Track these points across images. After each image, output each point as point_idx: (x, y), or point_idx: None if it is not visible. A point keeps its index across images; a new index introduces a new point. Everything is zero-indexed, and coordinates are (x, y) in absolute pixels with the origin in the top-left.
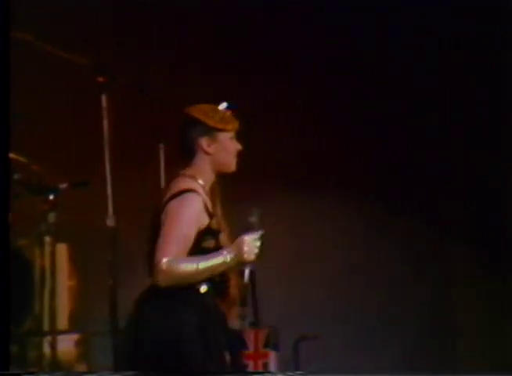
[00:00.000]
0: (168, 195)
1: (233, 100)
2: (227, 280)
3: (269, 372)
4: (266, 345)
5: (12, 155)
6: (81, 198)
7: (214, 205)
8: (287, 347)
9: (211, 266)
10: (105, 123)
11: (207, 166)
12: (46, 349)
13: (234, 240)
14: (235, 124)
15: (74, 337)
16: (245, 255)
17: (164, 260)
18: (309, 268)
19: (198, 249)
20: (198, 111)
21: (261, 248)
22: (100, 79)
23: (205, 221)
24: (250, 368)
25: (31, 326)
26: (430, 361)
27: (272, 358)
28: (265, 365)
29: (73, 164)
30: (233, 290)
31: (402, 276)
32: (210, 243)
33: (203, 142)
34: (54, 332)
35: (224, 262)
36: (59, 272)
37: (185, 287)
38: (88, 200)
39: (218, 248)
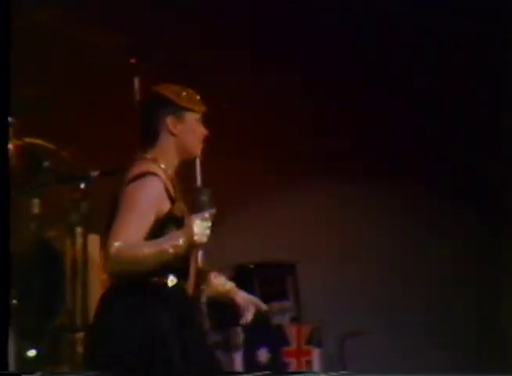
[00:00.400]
0: (126, 179)
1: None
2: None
3: (311, 372)
4: (309, 342)
5: (40, 141)
6: (113, 187)
7: (176, 191)
8: (332, 344)
9: (161, 250)
10: (138, 107)
11: (171, 148)
12: (79, 346)
13: None
14: (202, 106)
15: None
16: (196, 237)
17: (115, 244)
18: (356, 261)
19: (159, 236)
20: (166, 89)
21: (212, 229)
22: (133, 60)
23: (166, 206)
24: (293, 366)
25: (63, 321)
26: (479, 361)
27: (316, 355)
28: (308, 363)
29: (104, 151)
30: (192, 276)
31: (453, 274)
32: (172, 230)
33: (170, 121)
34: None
35: (174, 246)
36: (91, 265)
37: (151, 282)
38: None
39: None
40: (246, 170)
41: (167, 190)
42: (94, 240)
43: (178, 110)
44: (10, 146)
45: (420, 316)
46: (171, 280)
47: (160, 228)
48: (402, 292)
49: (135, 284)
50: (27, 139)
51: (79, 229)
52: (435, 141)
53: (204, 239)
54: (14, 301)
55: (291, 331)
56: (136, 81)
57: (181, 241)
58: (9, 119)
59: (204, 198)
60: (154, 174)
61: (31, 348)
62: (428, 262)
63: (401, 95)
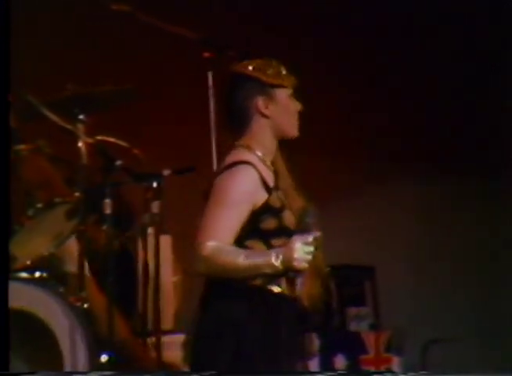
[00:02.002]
0: (218, 170)
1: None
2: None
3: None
4: (388, 350)
5: (111, 139)
6: (185, 186)
7: (278, 178)
8: (414, 352)
9: (255, 266)
10: (211, 103)
11: (265, 132)
12: (151, 351)
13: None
14: (292, 80)
15: (180, 338)
16: (295, 262)
17: (207, 244)
18: (437, 264)
19: (256, 232)
20: (248, 67)
21: (314, 254)
22: (207, 54)
23: (262, 197)
24: None
25: (135, 325)
26: None
27: (396, 364)
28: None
29: (177, 149)
30: (309, 291)
31: None
32: (269, 223)
33: (260, 101)
34: (158, 332)
35: (271, 265)
36: (162, 267)
37: (255, 287)
38: (194, 187)
39: (282, 229)
40: (330, 169)
41: (263, 180)
42: (166, 242)
43: (266, 88)
44: (80, 144)
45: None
46: (276, 288)
47: (255, 221)
48: (490, 294)
49: (237, 287)
50: (99, 137)
51: (151, 230)
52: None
53: (304, 265)
54: (85, 305)
55: (369, 338)
56: (210, 76)
57: (278, 263)
58: (81, 116)
59: (310, 220)
60: (247, 163)
61: (103, 352)
62: None
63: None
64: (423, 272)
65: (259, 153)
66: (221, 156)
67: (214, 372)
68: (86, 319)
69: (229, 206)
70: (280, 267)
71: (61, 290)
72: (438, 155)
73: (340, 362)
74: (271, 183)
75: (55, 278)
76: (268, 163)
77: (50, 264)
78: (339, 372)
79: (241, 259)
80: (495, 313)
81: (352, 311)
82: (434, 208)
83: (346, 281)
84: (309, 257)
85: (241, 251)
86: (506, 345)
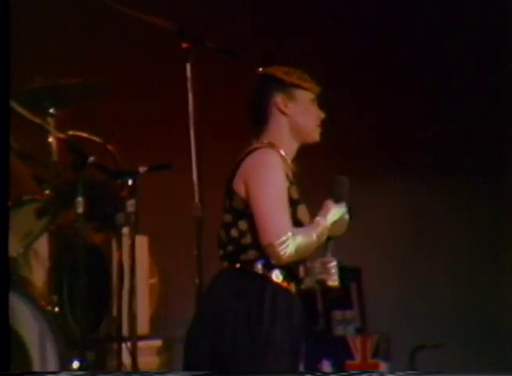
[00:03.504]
0: (247, 165)
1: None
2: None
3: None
4: (375, 355)
5: (84, 134)
6: (162, 184)
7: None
8: (402, 357)
9: (319, 237)
10: (190, 96)
11: (285, 130)
12: (125, 357)
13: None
14: (315, 86)
15: (156, 343)
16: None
17: (283, 243)
18: (425, 266)
19: None
20: (273, 69)
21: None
22: (185, 45)
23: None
24: None
25: (109, 330)
26: None
27: (383, 369)
28: None
29: (153, 144)
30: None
31: None
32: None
33: (279, 99)
34: (134, 337)
35: (320, 236)
36: (138, 269)
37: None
38: (171, 186)
39: (295, 221)
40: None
41: (285, 170)
42: (142, 242)
43: (287, 87)
44: (51, 139)
45: (500, 324)
46: (276, 275)
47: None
48: (478, 298)
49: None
50: (71, 132)
51: (126, 230)
52: None
53: (343, 230)
54: (56, 309)
55: (355, 343)
56: (188, 68)
57: (328, 224)
58: (51, 110)
59: (342, 189)
60: (274, 149)
61: (75, 359)
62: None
63: None
64: (410, 273)
65: (282, 152)
66: (201, 151)
67: (207, 372)
68: (57, 323)
69: (278, 196)
70: (323, 235)
71: (31, 293)
72: (426, 155)
73: (325, 367)
74: (290, 176)
75: (24, 280)
76: (289, 161)
77: (19, 266)
78: (323, 372)
79: (314, 236)
80: (483, 316)
81: (338, 314)
82: (421, 209)
83: None
84: (345, 223)
85: (305, 230)
86: (494, 347)
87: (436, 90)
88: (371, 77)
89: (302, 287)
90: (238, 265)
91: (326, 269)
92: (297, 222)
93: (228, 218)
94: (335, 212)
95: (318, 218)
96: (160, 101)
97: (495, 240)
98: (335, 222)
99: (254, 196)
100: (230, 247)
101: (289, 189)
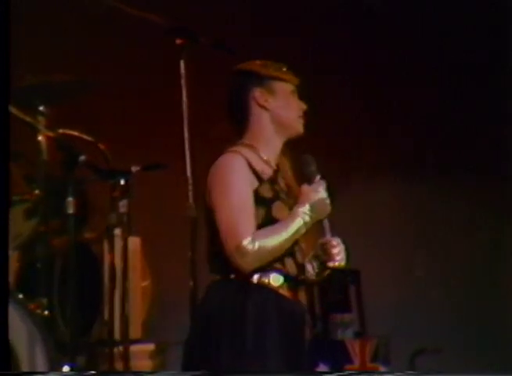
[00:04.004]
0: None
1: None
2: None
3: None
4: (374, 359)
5: (75, 133)
6: (156, 184)
7: (278, 175)
8: (402, 362)
9: (292, 234)
10: (184, 94)
11: (267, 126)
12: (117, 361)
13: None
14: (293, 77)
15: (149, 347)
16: (318, 206)
17: (244, 242)
18: (425, 268)
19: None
20: (249, 64)
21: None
22: (178, 41)
23: (253, 185)
24: None
25: (100, 334)
26: None
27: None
28: None
29: (146, 143)
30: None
31: None
32: (257, 212)
33: (258, 94)
34: (126, 341)
35: (303, 224)
36: (131, 271)
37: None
38: (165, 186)
39: (269, 220)
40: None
41: (251, 167)
42: (134, 244)
43: (265, 80)
44: (41, 137)
45: (500, 329)
46: (275, 279)
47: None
48: (478, 299)
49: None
50: (61, 130)
51: (118, 231)
52: None
53: (329, 209)
54: (46, 312)
55: (354, 347)
56: (182, 65)
57: (307, 217)
58: (41, 108)
59: (310, 168)
60: (233, 152)
61: (65, 364)
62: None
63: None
64: (410, 276)
65: (264, 156)
66: (195, 150)
67: (207, 372)
68: (47, 327)
69: (238, 195)
70: (311, 221)
71: (20, 296)
72: (426, 155)
73: None
74: (264, 175)
75: (13, 283)
76: (266, 158)
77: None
78: (323, 372)
79: (284, 234)
80: (483, 318)
81: (336, 318)
82: (422, 210)
83: (329, 286)
84: (328, 202)
85: (275, 227)
86: (494, 349)
87: (436, 90)
88: (371, 76)
89: (312, 277)
90: (232, 276)
91: (325, 251)
92: (273, 220)
93: (208, 230)
94: (312, 194)
95: (295, 208)
96: (154, 99)
97: (495, 240)
98: (315, 204)
99: (213, 206)
100: (216, 260)
101: (258, 189)
